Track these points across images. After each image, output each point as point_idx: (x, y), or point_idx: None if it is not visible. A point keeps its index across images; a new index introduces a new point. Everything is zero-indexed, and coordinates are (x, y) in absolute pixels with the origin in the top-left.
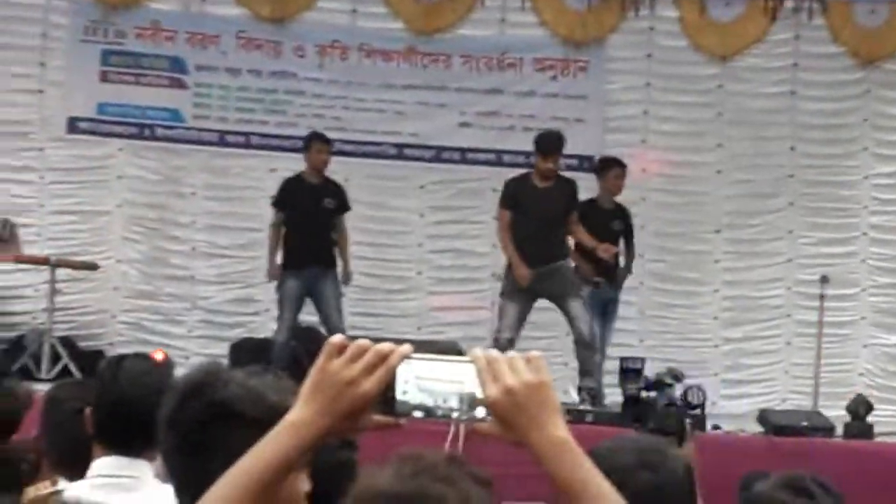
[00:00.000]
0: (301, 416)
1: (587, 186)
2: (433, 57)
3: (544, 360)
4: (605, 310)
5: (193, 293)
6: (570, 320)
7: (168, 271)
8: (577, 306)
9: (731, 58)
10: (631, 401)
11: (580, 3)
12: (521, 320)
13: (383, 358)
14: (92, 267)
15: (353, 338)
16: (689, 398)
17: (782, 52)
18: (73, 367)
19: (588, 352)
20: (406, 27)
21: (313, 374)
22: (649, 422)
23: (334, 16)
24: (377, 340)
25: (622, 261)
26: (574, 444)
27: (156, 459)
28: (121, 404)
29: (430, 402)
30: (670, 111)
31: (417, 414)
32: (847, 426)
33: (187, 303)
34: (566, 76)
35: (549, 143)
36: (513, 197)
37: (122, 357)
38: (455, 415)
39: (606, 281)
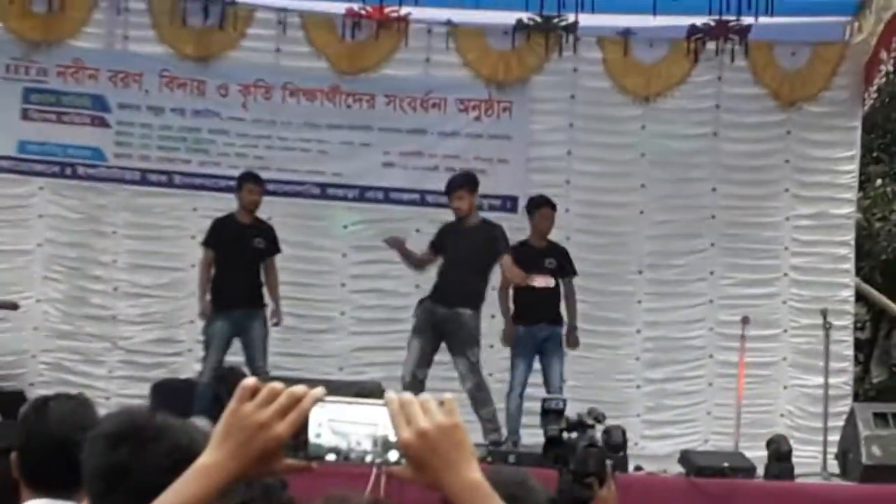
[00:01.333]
0: (212, 459)
1: (511, 227)
2: (357, 96)
3: (456, 402)
4: (540, 349)
5: (115, 333)
6: (459, 376)
7: (89, 311)
8: (462, 364)
9: (654, 99)
10: (552, 442)
11: (504, 43)
12: (424, 357)
13: (296, 401)
14: (12, 306)
15: (275, 378)
16: (610, 439)
17: (705, 93)
18: None
19: (476, 406)
20: (330, 66)
21: (225, 416)
22: (570, 463)
23: (258, 55)
24: (299, 381)
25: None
26: (487, 487)
27: (84, 500)
28: (50, 446)
29: (343, 445)
30: (594, 152)
31: (330, 457)
32: (768, 467)
33: (108, 343)
34: (490, 116)
35: (450, 182)
36: (437, 235)
37: (48, 398)
38: (369, 458)
39: (539, 318)
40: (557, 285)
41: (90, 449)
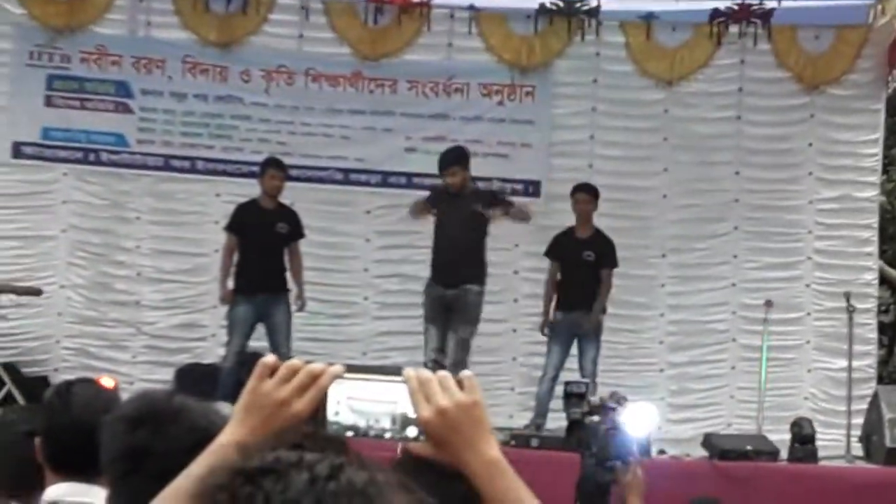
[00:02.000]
0: (233, 437)
1: (534, 211)
2: (379, 82)
3: (476, 380)
4: (578, 335)
5: (138, 318)
6: (445, 350)
7: (113, 296)
8: (451, 340)
9: (677, 83)
10: (574, 425)
11: (526, 28)
12: (443, 340)
13: (315, 378)
14: (36, 292)
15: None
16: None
17: (728, 77)
18: (16, 394)
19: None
20: (352, 52)
21: (245, 395)
22: (592, 446)
23: (281, 41)
24: (347, 367)
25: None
26: (506, 464)
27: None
28: (73, 431)
29: (362, 423)
30: (616, 136)
31: (349, 434)
32: (791, 450)
33: (132, 328)
34: (512, 101)
35: (442, 158)
36: (434, 199)
37: (71, 383)
38: (388, 435)
39: (575, 309)
40: (598, 275)
41: (110, 432)
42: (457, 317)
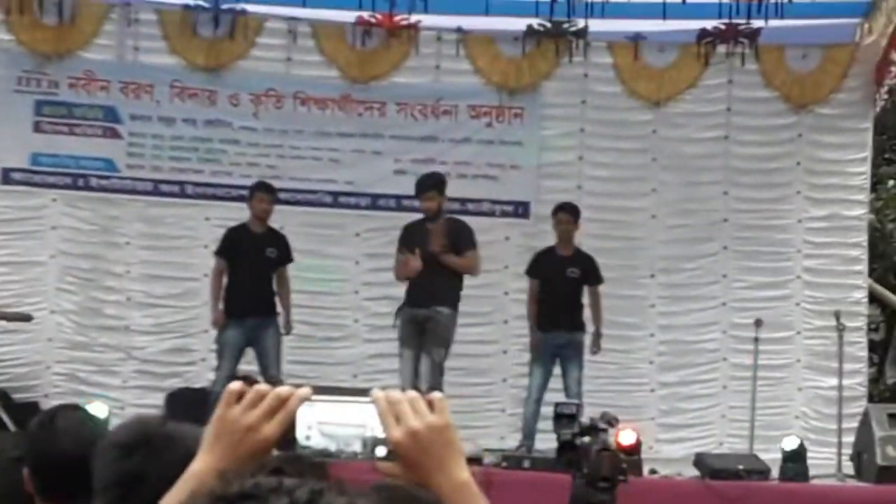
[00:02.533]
0: (204, 465)
1: (523, 232)
2: (368, 105)
3: (446, 401)
4: (559, 355)
5: (129, 343)
6: (418, 374)
7: (103, 322)
8: (424, 363)
9: (665, 103)
10: (565, 446)
11: (514, 50)
12: (416, 366)
13: (283, 402)
14: (26, 318)
15: (291, 386)
16: (623, 443)
17: (715, 97)
18: (7, 420)
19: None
20: (341, 75)
21: (214, 421)
22: (583, 467)
23: (269, 64)
24: (315, 389)
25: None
26: (475, 487)
27: None
28: (60, 462)
29: (332, 447)
30: (605, 157)
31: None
32: (782, 469)
33: (122, 353)
34: (501, 123)
35: (420, 183)
36: (403, 238)
37: (54, 413)
38: (359, 458)
39: (556, 328)
40: (581, 292)
41: (102, 458)
42: (428, 339)
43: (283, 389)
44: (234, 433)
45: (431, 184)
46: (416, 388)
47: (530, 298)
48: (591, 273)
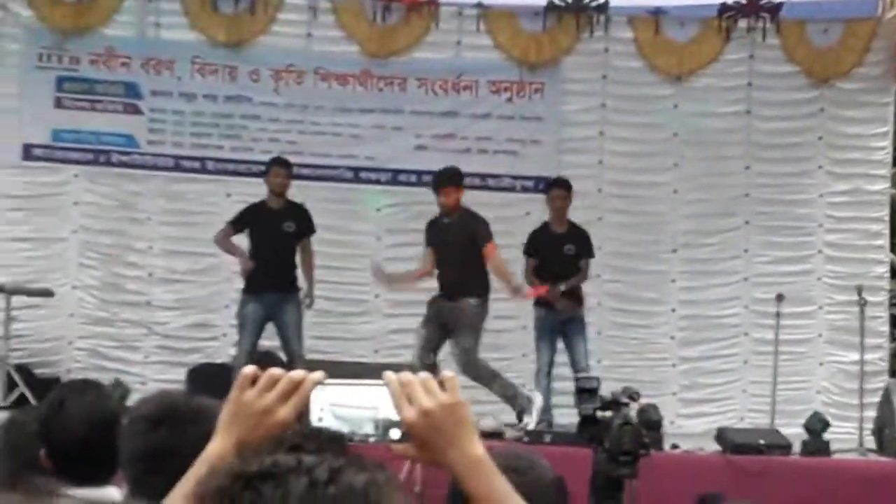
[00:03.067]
0: (220, 447)
1: (544, 207)
2: (388, 80)
3: (457, 380)
4: (563, 331)
5: (150, 319)
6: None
7: (124, 297)
8: (454, 350)
9: (686, 78)
10: (586, 420)
11: (535, 25)
12: (427, 347)
13: (297, 385)
14: (48, 294)
15: (311, 361)
16: (646, 416)
17: (737, 71)
18: (29, 395)
19: (485, 385)
20: (361, 50)
21: (229, 405)
22: (605, 441)
23: (289, 40)
24: (334, 364)
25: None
26: (490, 463)
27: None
28: (75, 444)
29: (345, 429)
30: (626, 132)
31: None
32: (804, 444)
33: (144, 329)
34: (522, 98)
35: (438, 178)
36: (426, 233)
37: (63, 395)
38: (371, 440)
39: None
40: (577, 267)
41: (129, 432)
42: (456, 327)
43: (296, 373)
44: (249, 416)
45: (448, 178)
46: (423, 363)
47: (527, 275)
48: (585, 248)
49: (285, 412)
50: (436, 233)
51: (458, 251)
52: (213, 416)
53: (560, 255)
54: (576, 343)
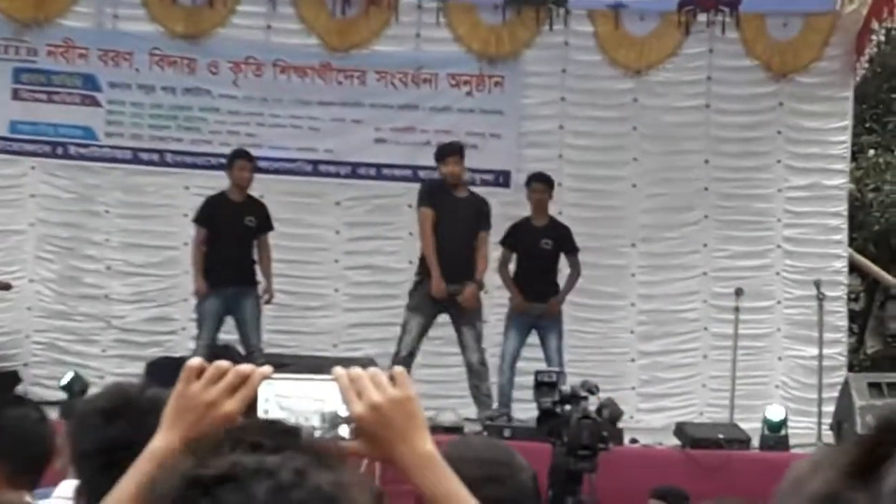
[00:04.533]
0: (164, 441)
1: (504, 201)
2: (348, 73)
3: (406, 375)
4: (536, 325)
5: (108, 312)
6: (461, 348)
7: (82, 290)
8: (468, 335)
9: (646, 72)
10: (546, 415)
11: (495, 18)
12: (422, 335)
13: (244, 378)
14: (5, 287)
15: (269, 356)
16: (605, 411)
17: (696, 65)
18: None
19: (476, 380)
20: (321, 43)
21: (174, 398)
22: (563, 435)
23: (248, 32)
24: (292, 358)
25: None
26: (440, 458)
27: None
28: (13, 458)
29: (291, 421)
30: (586, 126)
31: None
32: (763, 438)
33: (102, 322)
34: (481, 91)
35: (442, 148)
36: (431, 196)
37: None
38: (318, 433)
39: (533, 300)
40: (555, 263)
41: (83, 424)
42: (461, 311)
43: (244, 366)
44: (194, 409)
45: (452, 149)
46: (412, 355)
47: (501, 266)
48: (565, 242)
49: (231, 405)
50: (444, 204)
51: (467, 231)
52: None
53: (536, 249)
54: (550, 339)
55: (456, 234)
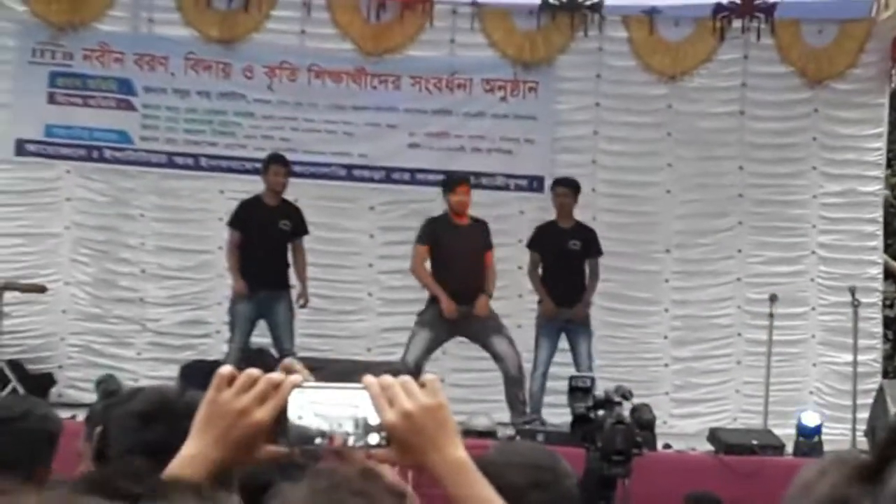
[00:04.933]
0: (195, 448)
1: (537, 206)
2: (382, 78)
3: (439, 382)
4: (566, 329)
5: (143, 315)
6: (495, 359)
7: (117, 293)
8: (500, 343)
9: (680, 78)
10: (579, 419)
11: (529, 23)
12: (430, 350)
13: (275, 387)
14: (40, 290)
15: (304, 359)
16: (639, 416)
17: (731, 71)
18: (21, 391)
19: (515, 388)
20: (355, 48)
21: (204, 405)
22: (597, 440)
23: (283, 37)
24: (327, 362)
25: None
26: (472, 465)
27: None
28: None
29: (325, 427)
30: (620, 131)
31: (316, 441)
32: (797, 444)
33: (137, 325)
34: (515, 97)
35: (453, 176)
36: (431, 234)
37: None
38: (351, 440)
39: (562, 303)
40: (583, 264)
41: (121, 427)
42: (480, 328)
43: (274, 375)
44: (225, 417)
45: (464, 177)
46: (418, 366)
47: (532, 270)
48: (591, 245)
49: (262, 414)
50: (445, 235)
51: (471, 256)
52: None
53: (565, 251)
54: (579, 342)
55: (465, 262)
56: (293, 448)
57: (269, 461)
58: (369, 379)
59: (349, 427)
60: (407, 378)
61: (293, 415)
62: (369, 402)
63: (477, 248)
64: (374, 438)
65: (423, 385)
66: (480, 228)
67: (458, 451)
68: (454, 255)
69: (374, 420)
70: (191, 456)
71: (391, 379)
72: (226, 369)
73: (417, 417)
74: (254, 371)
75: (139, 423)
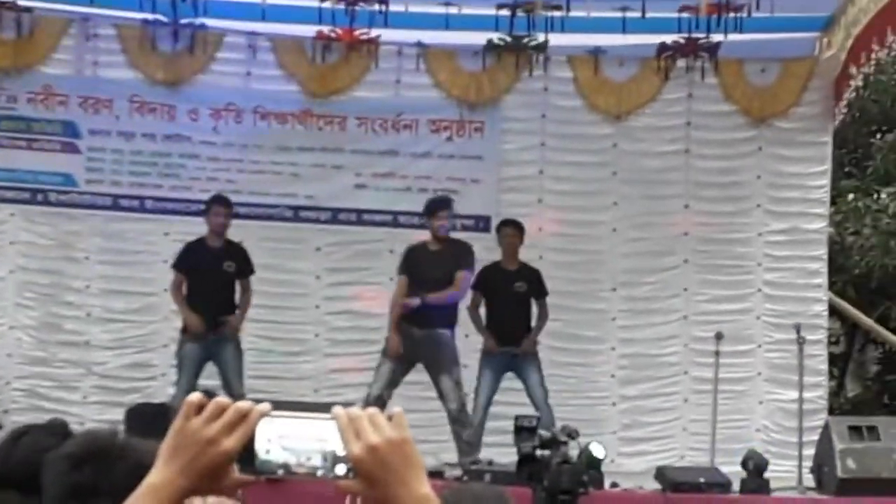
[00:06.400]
0: (160, 477)
1: (484, 247)
2: (328, 119)
3: (405, 416)
4: (513, 367)
5: (88, 359)
6: (440, 396)
7: (62, 337)
8: (446, 383)
9: (626, 117)
10: (525, 459)
11: (475, 64)
12: (393, 381)
13: (243, 416)
14: None
15: (252, 401)
16: (586, 455)
17: (675, 111)
18: None
19: (458, 427)
20: (301, 89)
21: (172, 433)
22: (544, 480)
23: (228, 78)
24: (274, 403)
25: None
26: (436, 501)
27: None
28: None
29: (292, 461)
30: (565, 171)
31: (280, 472)
32: (743, 482)
33: (82, 369)
34: (461, 137)
35: (435, 202)
36: (406, 262)
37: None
38: (319, 473)
39: (507, 343)
40: (529, 306)
41: (52, 470)
42: (434, 360)
43: (243, 403)
44: (193, 446)
45: (445, 203)
46: (381, 398)
47: (472, 310)
48: (537, 286)
49: (230, 443)
50: (420, 258)
51: (443, 279)
52: (140, 453)
53: (511, 293)
54: (530, 376)
55: (436, 287)
56: (259, 477)
57: (234, 489)
58: (338, 410)
59: (317, 460)
60: (374, 410)
61: (261, 447)
62: (337, 432)
63: (450, 270)
64: (341, 469)
65: (389, 418)
66: (453, 249)
67: (424, 488)
68: (426, 281)
69: (341, 451)
70: (157, 484)
71: (359, 411)
72: (195, 396)
73: (382, 451)
74: (223, 399)
75: (69, 466)
